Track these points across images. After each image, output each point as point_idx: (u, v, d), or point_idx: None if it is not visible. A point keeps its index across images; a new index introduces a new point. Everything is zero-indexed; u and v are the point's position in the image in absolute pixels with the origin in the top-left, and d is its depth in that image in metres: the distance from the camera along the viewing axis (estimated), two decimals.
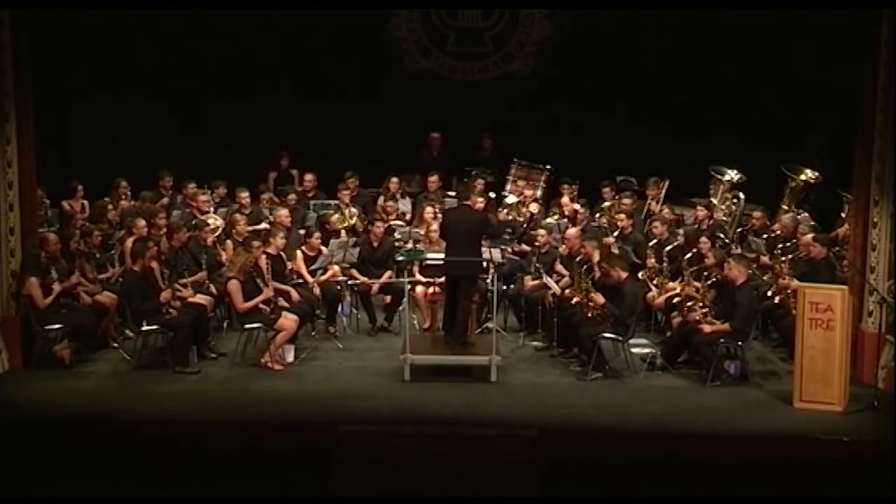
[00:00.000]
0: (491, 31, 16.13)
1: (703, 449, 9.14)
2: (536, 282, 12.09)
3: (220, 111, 15.25)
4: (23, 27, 10.80)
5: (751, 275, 11.21)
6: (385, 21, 15.98)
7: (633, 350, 11.18)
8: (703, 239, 11.76)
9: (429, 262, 11.80)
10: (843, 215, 12.84)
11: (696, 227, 12.89)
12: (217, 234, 12.91)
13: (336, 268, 12.33)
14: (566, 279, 11.67)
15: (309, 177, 14.66)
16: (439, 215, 12.53)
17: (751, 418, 9.75)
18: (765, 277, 11.92)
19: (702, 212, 13.16)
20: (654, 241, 12.39)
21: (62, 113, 14.23)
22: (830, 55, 13.64)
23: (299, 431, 9.37)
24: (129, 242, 11.86)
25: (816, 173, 14.07)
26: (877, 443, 9.14)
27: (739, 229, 13.36)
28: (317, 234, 12.44)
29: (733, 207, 13.96)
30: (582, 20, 15.34)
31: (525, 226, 13.64)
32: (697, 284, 11.18)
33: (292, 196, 13.95)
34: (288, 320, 11.08)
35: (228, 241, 12.57)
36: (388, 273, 12.50)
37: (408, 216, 14.19)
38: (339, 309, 12.48)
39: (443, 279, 11.50)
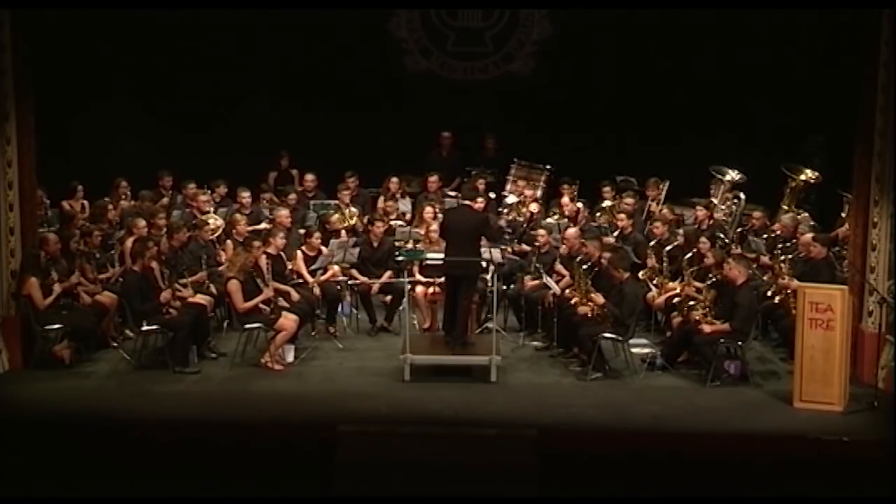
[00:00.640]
0: (491, 31, 16.13)
1: (703, 449, 9.13)
2: (536, 282, 12.09)
3: (220, 111, 15.24)
4: (23, 27, 10.80)
5: (751, 275, 11.21)
6: (385, 21, 15.98)
7: (633, 350, 11.18)
8: (703, 239, 11.77)
9: (429, 262, 11.80)
10: (843, 215, 12.84)
11: (696, 227, 12.89)
12: (217, 234, 12.93)
13: (336, 268, 12.34)
14: (566, 279, 11.67)
15: (309, 177, 14.66)
16: (439, 215, 12.53)
17: (751, 418, 9.74)
18: (765, 277, 11.92)
19: (702, 212, 13.16)
20: (654, 241, 12.39)
21: (62, 113, 14.22)
22: (830, 55, 13.64)
23: (299, 431, 9.36)
24: (129, 242, 11.87)
25: (816, 173, 14.07)
26: (877, 443, 9.14)
27: (739, 229, 13.37)
28: (317, 234, 12.45)
29: (733, 207, 13.96)
30: (582, 20, 15.33)
31: (525, 226, 13.65)
32: (697, 284, 11.19)
33: (293, 196, 13.96)
34: (288, 320, 11.08)
35: (228, 241, 12.57)
36: (388, 273, 12.50)
37: (408, 216, 14.20)
38: (339, 309, 12.48)
39: (443, 279, 11.49)
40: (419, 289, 12.16)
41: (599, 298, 10.94)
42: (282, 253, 11.82)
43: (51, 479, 8.92)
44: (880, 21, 10.34)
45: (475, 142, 15.74)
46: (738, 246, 12.66)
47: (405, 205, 14.44)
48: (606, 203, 13.97)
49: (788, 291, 11.14)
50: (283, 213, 12.87)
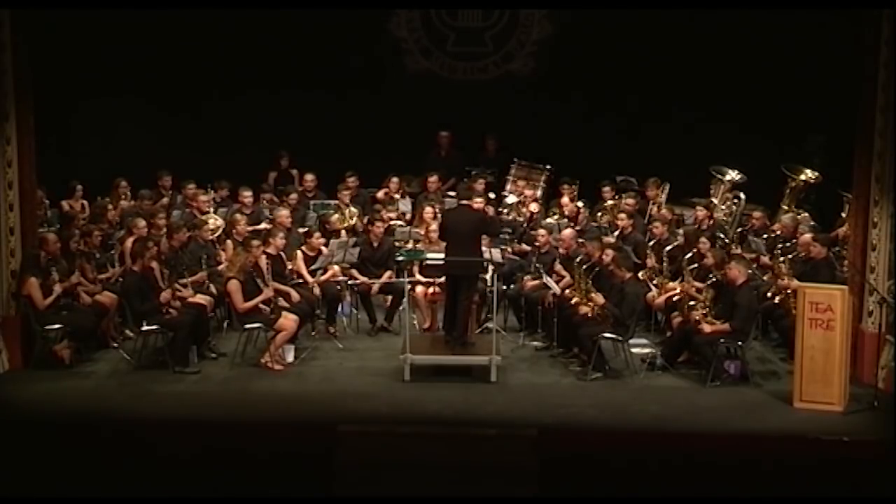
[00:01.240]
0: (491, 31, 16.12)
1: (703, 449, 9.13)
2: (536, 282, 12.09)
3: (220, 111, 15.23)
4: (23, 27, 10.79)
5: (751, 275, 11.21)
6: (385, 21, 15.97)
7: (633, 350, 11.17)
8: (703, 239, 11.77)
9: (429, 262, 11.80)
10: (843, 215, 12.84)
11: (696, 227, 12.89)
12: (217, 234, 12.93)
13: (336, 268, 12.34)
14: (566, 279, 11.67)
15: (309, 177, 14.66)
16: (439, 215, 12.53)
17: (751, 418, 9.74)
18: (765, 277, 11.92)
19: (702, 212, 13.16)
20: (654, 241, 12.39)
21: (62, 113, 14.23)
22: (830, 55, 13.63)
23: (299, 431, 9.36)
24: (129, 242, 11.87)
25: (816, 173, 14.07)
26: (877, 443, 9.14)
27: (739, 229, 13.37)
28: (317, 234, 12.45)
29: (733, 207, 13.96)
30: (582, 20, 15.33)
31: (525, 226, 13.65)
32: (697, 284, 11.19)
33: (293, 196, 13.96)
34: (288, 320, 11.08)
35: (228, 241, 12.57)
36: (388, 273, 12.50)
37: (408, 216, 14.19)
38: (339, 309, 12.48)
39: (443, 279, 11.49)
40: (419, 289, 12.16)
41: (599, 298, 10.94)
42: (282, 253, 11.82)
43: (51, 479, 8.92)
44: (880, 21, 10.34)
45: (475, 142, 15.74)
46: (738, 246, 12.66)
47: (405, 205, 14.44)
48: (608, 203, 13.96)
49: (788, 291, 11.14)
50: (283, 213, 12.87)
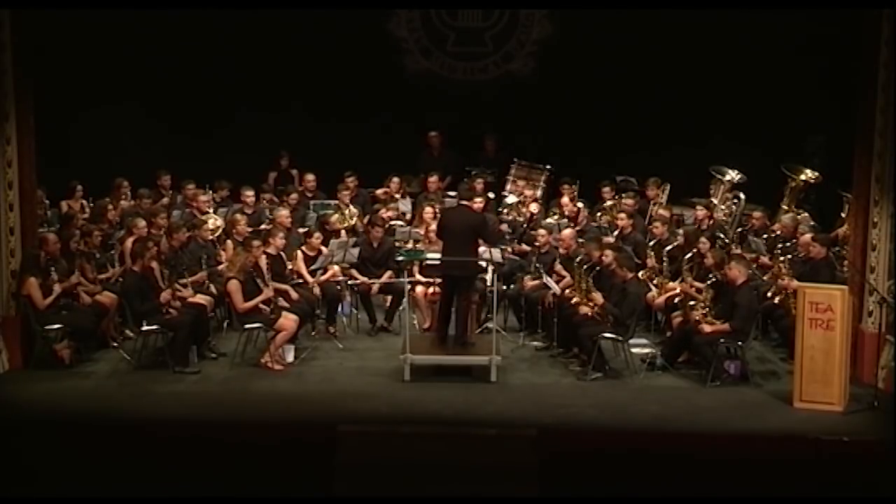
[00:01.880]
0: (491, 31, 16.12)
1: (703, 449, 9.13)
2: (536, 282, 12.09)
3: (220, 112, 15.22)
4: (23, 27, 10.79)
5: (751, 275, 11.21)
6: (385, 21, 15.98)
7: (633, 350, 11.17)
8: (703, 239, 11.77)
9: (429, 262, 11.79)
10: (843, 215, 12.84)
11: (696, 227, 12.89)
12: (217, 234, 12.92)
13: (336, 268, 12.34)
14: (566, 279, 11.67)
15: (309, 177, 14.67)
16: (438, 214, 12.53)
17: (751, 418, 9.74)
18: (765, 277, 11.92)
19: (702, 212, 13.16)
20: (654, 241, 12.39)
21: (63, 113, 14.22)
22: (830, 55, 13.63)
23: (299, 431, 9.36)
24: (129, 242, 11.87)
25: (816, 173, 14.07)
26: (877, 443, 9.14)
27: (739, 229, 13.37)
28: (317, 234, 12.45)
29: (733, 207, 13.96)
30: (582, 20, 15.33)
31: (525, 226, 13.65)
32: (697, 284, 11.19)
33: (293, 196, 13.96)
34: (288, 320, 11.08)
35: (228, 241, 12.57)
36: (388, 273, 12.50)
37: (408, 216, 14.19)
38: (339, 309, 12.47)
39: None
40: (419, 289, 12.15)
41: (599, 298, 10.94)
42: (282, 253, 11.83)
43: (51, 479, 8.92)
44: (880, 21, 10.34)
45: (475, 142, 15.74)
46: (738, 246, 12.66)
47: (405, 205, 14.44)
48: (608, 203, 13.97)
49: (788, 291, 11.14)
50: (283, 213, 12.87)
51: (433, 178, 14.55)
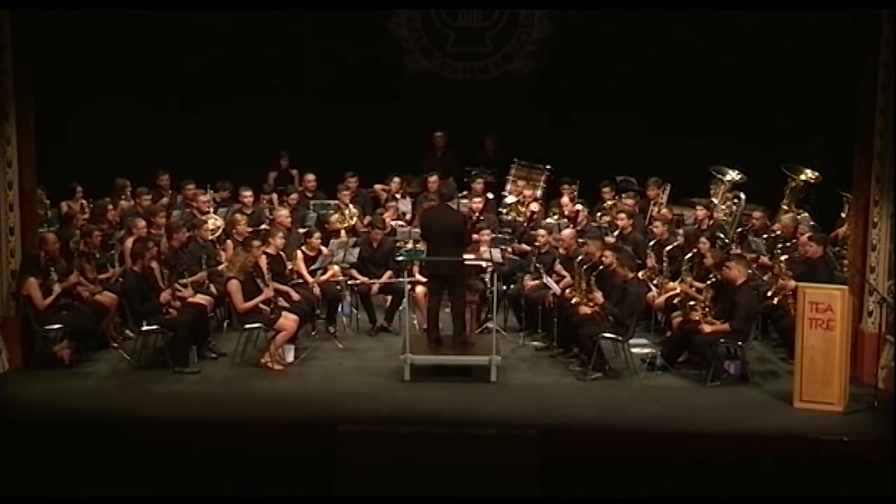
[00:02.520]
0: (491, 31, 16.13)
1: (703, 449, 9.13)
2: (536, 282, 12.09)
3: (220, 112, 15.21)
4: (23, 27, 10.79)
5: (751, 275, 11.21)
6: (385, 21, 15.98)
7: (633, 350, 11.17)
8: (703, 239, 11.77)
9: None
10: (843, 215, 12.84)
11: (696, 227, 12.89)
12: (217, 234, 12.92)
13: (336, 268, 12.33)
14: (566, 279, 11.67)
15: (309, 177, 14.66)
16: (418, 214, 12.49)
17: (751, 418, 9.74)
18: (765, 277, 11.92)
19: (702, 212, 13.16)
20: (654, 241, 12.39)
21: (62, 113, 14.22)
22: (830, 55, 13.64)
23: (299, 431, 9.36)
24: (129, 242, 11.87)
25: (816, 173, 14.07)
26: (877, 443, 9.13)
27: (739, 229, 13.37)
28: (317, 234, 12.45)
29: (733, 207, 13.96)
30: (582, 20, 15.33)
31: (525, 226, 13.65)
32: (697, 284, 11.19)
33: (293, 196, 13.96)
34: (288, 320, 11.08)
35: (228, 241, 12.57)
36: (388, 273, 12.50)
37: (408, 216, 14.19)
38: (339, 309, 12.48)
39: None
40: (419, 289, 12.14)
41: (600, 297, 10.94)
42: (282, 253, 11.83)
43: (51, 479, 8.91)
44: (880, 21, 10.34)
45: (475, 142, 15.74)
46: (738, 246, 12.66)
47: (405, 205, 14.44)
48: (608, 203, 13.96)
49: (788, 291, 11.13)
50: (283, 213, 12.87)
51: (433, 178, 14.53)
